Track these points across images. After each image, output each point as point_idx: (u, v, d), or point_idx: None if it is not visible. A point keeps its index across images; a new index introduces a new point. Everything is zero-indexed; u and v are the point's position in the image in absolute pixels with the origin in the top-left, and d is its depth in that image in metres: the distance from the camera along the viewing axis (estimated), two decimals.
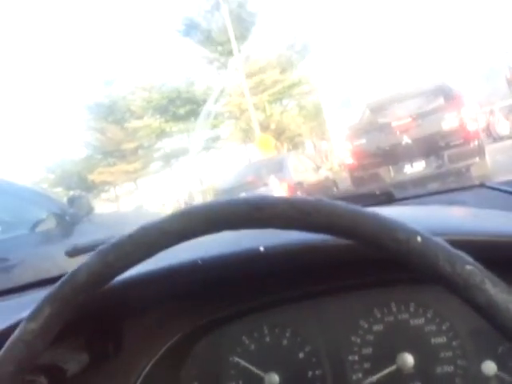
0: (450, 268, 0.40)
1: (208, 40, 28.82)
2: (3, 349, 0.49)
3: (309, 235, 0.65)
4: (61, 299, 0.50)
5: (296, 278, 0.78)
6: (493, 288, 0.39)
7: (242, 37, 27.04)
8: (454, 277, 0.40)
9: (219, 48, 28.24)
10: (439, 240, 0.41)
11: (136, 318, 0.85)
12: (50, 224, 4.05)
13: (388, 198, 1.01)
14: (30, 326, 0.49)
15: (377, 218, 0.43)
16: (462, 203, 0.89)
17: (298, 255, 0.68)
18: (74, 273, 0.50)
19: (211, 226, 0.48)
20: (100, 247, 0.50)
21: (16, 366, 0.48)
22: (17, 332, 0.49)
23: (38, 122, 52.23)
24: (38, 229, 4.03)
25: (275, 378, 0.84)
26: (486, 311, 0.39)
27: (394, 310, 0.80)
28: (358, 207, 0.44)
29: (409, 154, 7.63)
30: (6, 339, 0.50)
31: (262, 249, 0.65)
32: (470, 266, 0.40)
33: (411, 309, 0.80)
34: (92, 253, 0.50)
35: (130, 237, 0.49)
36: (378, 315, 0.81)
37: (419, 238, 0.41)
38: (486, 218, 0.76)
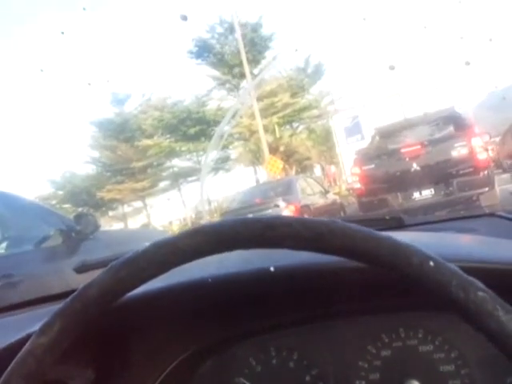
0: (463, 294, 0.40)
1: (220, 62, 29.14)
2: (13, 362, 0.49)
3: (320, 257, 0.65)
4: (71, 314, 0.50)
5: (305, 301, 0.78)
6: (505, 315, 0.39)
7: (254, 60, 27.33)
8: (466, 303, 0.40)
9: (231, 70, 28.51)
10: (452, 266, 0.41)
11: (143, 335, 0.84)
12: (56, 241, 4.06)
13: (398, 223, 1.00)
14: (40, 340, 0.49)
15: (391, 242, 0.43)
16: (473, 231, 0.89)
17: (308, 276, 0.68)
18: (86, 288, 0.50)
19: (224, 244, 0.48)
20: (112, 263, 0.50)
21: (26, 379, 0.48)
22: (27, 346, 0.49)
23: (49, 138, 52.71)
24: (44, 245, 4.04)
25: None
26: (497, 338, 0.39)
27: (403, 335, 0.80)
28: (371, 230, 0.44)
29: (418, 181, 7.61)
30: (16, 353, 0.50)
31: (272, 269, 0.65)
32: (483, 293, 0.40)
33: (420, 335, 0.79)
34: (104, 268, 0.51)
35: (144, 253, 0.49)
36: (386, 340, 0.80)
37: (432, 263, 0.41)
38: (496, 246, 0.75)
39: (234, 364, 0.88)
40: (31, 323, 0.68)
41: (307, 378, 0.84)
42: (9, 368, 0.48)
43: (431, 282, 0.41)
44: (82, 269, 1.24)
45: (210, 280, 0.68)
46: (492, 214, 1.00)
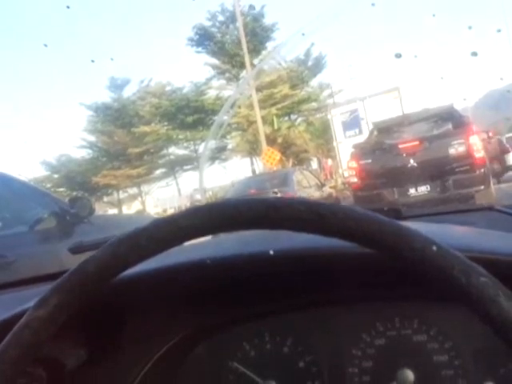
0: (465, 279, 0.40)
1: (221, 51, 29.01)
2: (9, 334, 0.49)
3: (319, 242, 0.65)
4: (69, 289, 0.49)
5: (301, 286, 0.78)
6: (506, 301, 0.39)
7: (255, 50, 27.22)
8: (468, 288, 0.40)
9: (232, 60, 28.40)
10: (454, 251, 0.41)
11: (137, 317, 0.84)
12: (51, 223, 4.05)
13: (396, 215, 1.00)
14: (37, 313, 0.49)
15: (393, 225, 0.42)
16: (471, 224, 0.89)
17: (307, 261, 0.68)
18: (84, 263, 0.50)
19: (225, 223, 0.47)
20: (111, 239, 0.50)
21: (21, 351, 0.48)
22: (24, 318, 0.49)
23: (46, 121, 52.43)
24: (38, 227, 4.03)
25: None
26: (498, 324, 0.39)
27: (398, 325, 0.80)
28: (375, 214, 0.44)
29: (414, 177, 7.63)
30: (11, 328, 0.49)
31: (271, 252, 0.65)
32: (485, 278, 0.40)
33: (415, 325, 0.79)
34: (103, 245, 0.50)
35: (144, 230, 0.49)
36: (381, 329, 0.81)
37: (435, 248, 0.41)
38: (496, 238, 0.76)
39: (227, 348, 0.88)
40: (26, 301, 0.67)
41: (301, 364, 0.84)
42: (5, 340, 0.48)
43: (433, 266, 0.41)
44: (77, 250, 1.24)
45: (208, 261, 0.68)
46: (491, 208, 1.00)
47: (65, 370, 0.82)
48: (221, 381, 0.88)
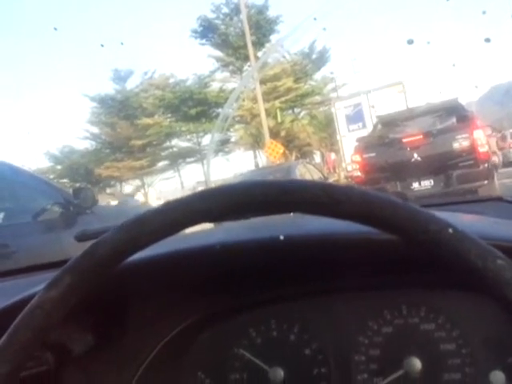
0: (481, 262, 0.39)
1: (225, 43, 28.94)
2: (21, 315, 0.49)
3: (330, 228, 0.65)
4: (81, 270, 0.49)
5: (310, 273, 0.78)
6: None
7: (259, 43, 27.13)
8: (484, 271, 0.39)
9: (235, 52, 28.31)
10: (471, 233, 0.41)
11: (144, 303, 0.84)
12: (54, 213, 4.06)
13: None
14: (50, 294, 0.48)
15: (409, 208, 0.42)
16: (480, 213, 0.88)
17: (317, 247, 0.68)
18: (96, 245, 0.49)
19: (238, 206, 0.47)
20: (123, 222, 0.50)
21: (33, 332, 0.48)
22: (35, 299, 0.49)
23: (49, 112, 52.42)
24: (41, 218, 4.04)
25: (280, 372, 0.83)
26: None
27: (405, 312, 0.80)
28: (389, 196, 0.43)
29: (417, 171, 7.60)
30: (21, 311, 0.49)
31: (281, 237, 0.65)
32: (502, 261, 0.39)
33: (422, 313, 0.79)
34: (115, 227, 0.50)
35: (155, 212, 0.49)
36: (388, 317, 0.80)
37: (451, 230, 0.40)
38: (506, 227, 0.75)
39: (233, 335, 0.88)
40: (30, 287, 0.67)
41: (307, 352, 0.84)
42: (16, 320, 0.48)
43: (449, 249, 0.40)
44: (82, 237, 1.24)
45: (218, 247, 0.68)
46: (499, 199, 0.99)
47: (72, 355, 0.82)
48: (227, 367, 0.88)
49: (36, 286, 0.61)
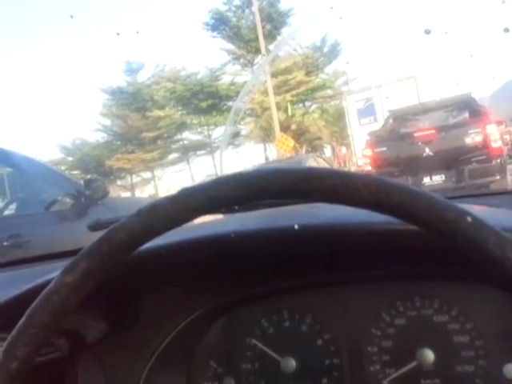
0: (500, 251, 0.39)
1: (236, 36, 28.88)
2: (37, 299, 0.49)
3: (345, 218, 0.65)
4: (97, 255, 0.49)
5: (323, 263, 0.78)
6: None
7: (270, 36, 27.04)
8: (502, 260, 0.39)
9: (247, 45, 28.25)
10: (489, 223, 0.40)
11: (158, 291, 0.85)
12: (65, 204, 4.10)
13: None
14: (66, 279, 0.48)
15: (426, 196, 0.42)
16: (495, 206, 0.88)
17: (331, 237, 0.67)
18: (113, 230, 0.49)
19: (255, 193, 0.47)
20: (140, 208, 0.50)
21: (50, 315, 0.48)
22: (52, 284, 0.49)
23: (60, 103, 52.64)
24: (53, 208, 4.07)
25: (291, 362, 0.83)
26: None
27: (418, 304, 0.79)
28: (406, 184, 0.43)
29: (429, 166, 7.56)
30: (31, 299, 0.49)
31: (296, 227, 0.65)
32: None
33: (435, 305, 0.79)
34: (131, 213, 0.50)
35: (172, 199, 0.48)
36: (401, 309, 0.80)
37: (469, 219, 0.40)
38: None
39: (245, 324, 0.88)
40: (47, 274, 0.68)
41: (319, 342, 0.84)
42: (33, 304, 0.48)
43: (467, 238, 0.40)
44: (96, 227, 1.25)
45: (232, 235, 0.68)
46: None
47: (86, 342, 0.83)
48: (238, 357, 0.88)
49: (51, 273, 0.61)
